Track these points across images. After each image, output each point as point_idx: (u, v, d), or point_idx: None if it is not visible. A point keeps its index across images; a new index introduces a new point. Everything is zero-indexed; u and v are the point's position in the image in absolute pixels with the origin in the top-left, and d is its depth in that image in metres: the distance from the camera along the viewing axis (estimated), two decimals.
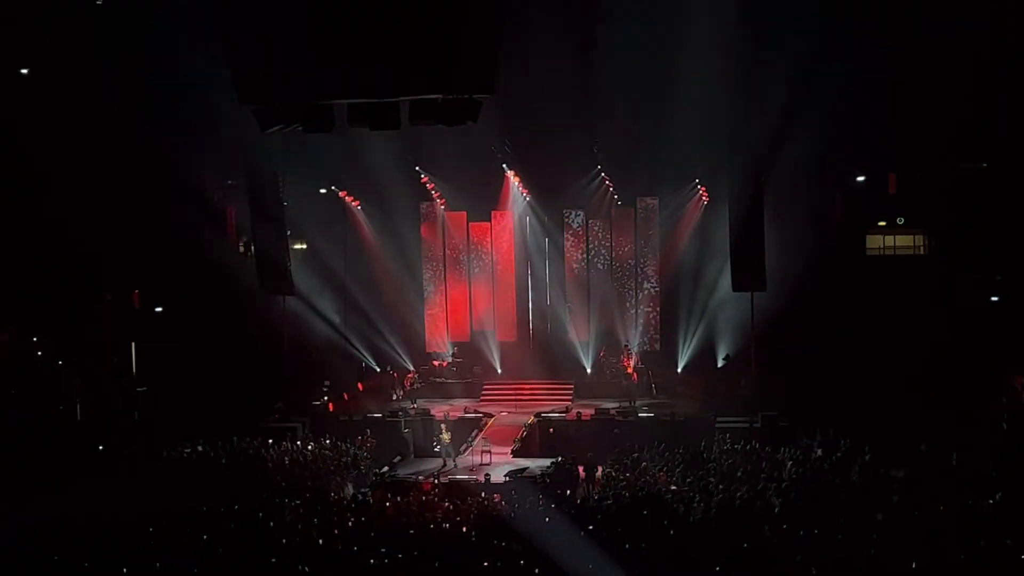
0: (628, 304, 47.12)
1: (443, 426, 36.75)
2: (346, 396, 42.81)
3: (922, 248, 44.73)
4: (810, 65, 36.22)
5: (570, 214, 47.38)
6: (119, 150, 38.69)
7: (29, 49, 35.85)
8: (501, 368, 47.34)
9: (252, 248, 46.34)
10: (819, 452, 31.26)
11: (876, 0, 35.77)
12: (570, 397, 43.51)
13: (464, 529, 24.58)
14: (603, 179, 46.20)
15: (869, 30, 35.78)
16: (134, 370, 40.58)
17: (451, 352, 48.35)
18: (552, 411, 40.48)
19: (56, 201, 38.81)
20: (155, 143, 38.73)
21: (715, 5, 35.11)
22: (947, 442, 30.12)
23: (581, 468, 33.20)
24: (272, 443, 34.96)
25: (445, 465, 35.32)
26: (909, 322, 38.41)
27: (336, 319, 46.92)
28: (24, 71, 37.50)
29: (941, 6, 35.53)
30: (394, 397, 43.75)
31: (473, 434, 38.69)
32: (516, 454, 37.35)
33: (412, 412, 40.66)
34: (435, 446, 37.51)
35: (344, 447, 35.54)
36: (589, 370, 46.10)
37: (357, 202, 48.36)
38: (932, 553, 21.43)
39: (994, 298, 41.16)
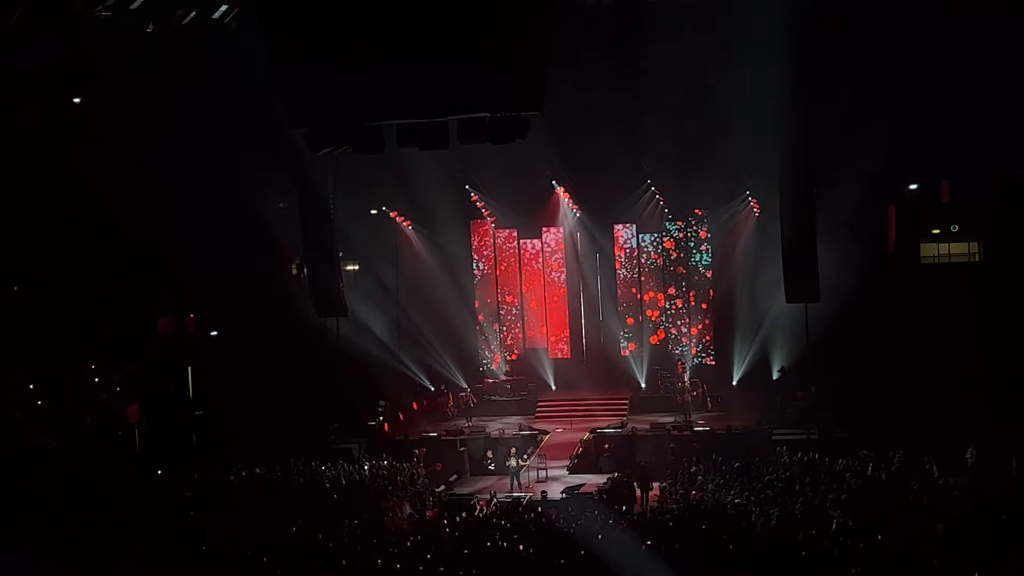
0: (682, 317, 47.00)
1: (512, 450, 36.64)
2: (401, 416, 42.90)
3: (977, 255, 44.26)
4: (861, 74, 36.04)
5: (621, 228, 47.34)
6: (171, 175, 39.01)
7: (81, 75, 36.21)
8: (555, 384, 47.36)
9: (304, 270, 46.61)
10: (879, 464, 30.97)
11: (926, 8, 35.42)
12: (625, 412, 43.37)
13: (522, 547, 24.53)
14: (653, 192, 46.10)
15: (918, 38, 35.47)
16: (191, 395, 40.81)
17: (504, 369, 48.39)
18: (607, 426, 40.35)
19: (110, 227, 39.17)
20: (208, 168, 39.07)
21: (765, 19, 34.97)
22: (1007, 451, 29.77)
23: (637, 484, 33.13)
24: (329, 464, 35.07)
25: (512, 488, 35.15)
26: (966, 330, 38.06)
27: (389, 339, 47.01)
28: (76, 100, 37.92)
29: (992, 11, 35.18)
30: (449, 416, 43.82)
31: (529, 451, 38.67)
32: (572, 470, 37.36)
33: (467, 430, 40.77)
34: (489, 464, 37.66)
35: (401, 467, 35.62)
36: (643, 385, 45.96)
37: (408, 222, 48.58)
38: (994, 564, 21.21)
39: None
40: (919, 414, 33.73)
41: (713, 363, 46.30)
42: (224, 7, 31.54)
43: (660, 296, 47.41)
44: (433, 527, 27.71)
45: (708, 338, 46.72)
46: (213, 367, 41.00)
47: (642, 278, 47.54)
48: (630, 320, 47.58)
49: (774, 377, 43.18)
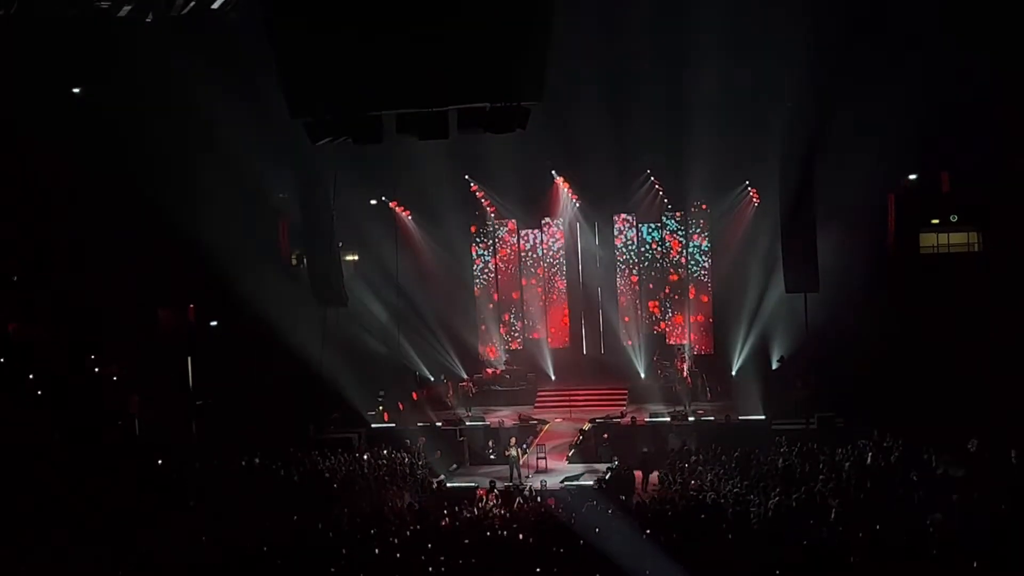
0: (681, 307, 47.04)
1: (512, 440, 36.69)
2: (401, 406, 42.89)
3: (976, 245, 44.26)
4: (860, 64, 36.03)
5: (620, 219, 47.35)
6: (171, 168, 39.00)
7: (87, 67, 36.20)
8: (555, 375, 47.39)
9: (304, 260, 46.60)
10: (878, 453, 31.01)
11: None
12: (624, 402, 43.41)
13: (521, 536, 24.59)
14: (653, 183, 46.14)
15: (918, 29, 35.45)
16: (191, 384, 40.82)
17: (504, 359, 48.43)
18: (607, 416, 40.37)
19: (109, 218, 39.12)
20: (208, 159, 39.05)
21: (765, 10, 35.01)
22: (1007, 440, 29.77)
23: (638, 473, 33.18)
24: (329, 454, 35.11)
25: (512, 479, 35.13)
26: (965, 320, 38.07)
27: (389, 329, 47.03)
28: (76, 90, 37.87)
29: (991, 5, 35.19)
30: (449, 405, 43.84)
31: (529, 441, 38.71)
32: (572, 460, 37.41)
33: (467, 420, 40.80)
34: (490, 454, 37.78)
35: (400, 457, 35.65)
36: (643, 375, 46.02)
37: (408, 212, 48.62)
38: (992, 553, 21.25)
39: None
40: (918, 403, 33.76)
41: (712, 353, 46.32)
42: None
43: (659, 286, 47.46)
44: (433, 517, 27.74)
45: (707, 328, 46.74)
46: (213, 357, 40.98)
47: (641, 268, 47.56)
48: (629, 310, 47.60)
49: (773, 367, 43.18)
